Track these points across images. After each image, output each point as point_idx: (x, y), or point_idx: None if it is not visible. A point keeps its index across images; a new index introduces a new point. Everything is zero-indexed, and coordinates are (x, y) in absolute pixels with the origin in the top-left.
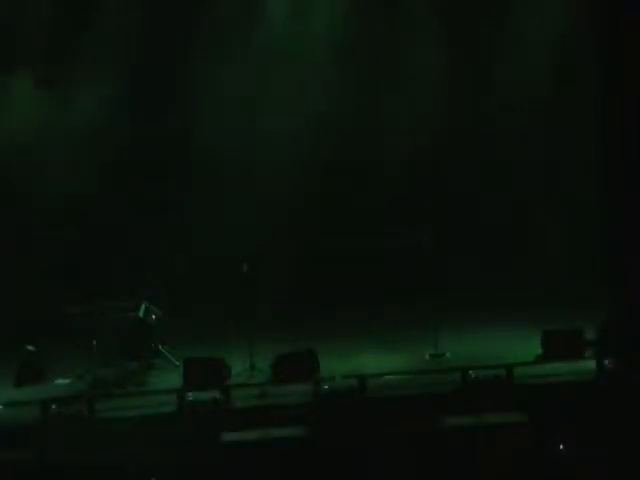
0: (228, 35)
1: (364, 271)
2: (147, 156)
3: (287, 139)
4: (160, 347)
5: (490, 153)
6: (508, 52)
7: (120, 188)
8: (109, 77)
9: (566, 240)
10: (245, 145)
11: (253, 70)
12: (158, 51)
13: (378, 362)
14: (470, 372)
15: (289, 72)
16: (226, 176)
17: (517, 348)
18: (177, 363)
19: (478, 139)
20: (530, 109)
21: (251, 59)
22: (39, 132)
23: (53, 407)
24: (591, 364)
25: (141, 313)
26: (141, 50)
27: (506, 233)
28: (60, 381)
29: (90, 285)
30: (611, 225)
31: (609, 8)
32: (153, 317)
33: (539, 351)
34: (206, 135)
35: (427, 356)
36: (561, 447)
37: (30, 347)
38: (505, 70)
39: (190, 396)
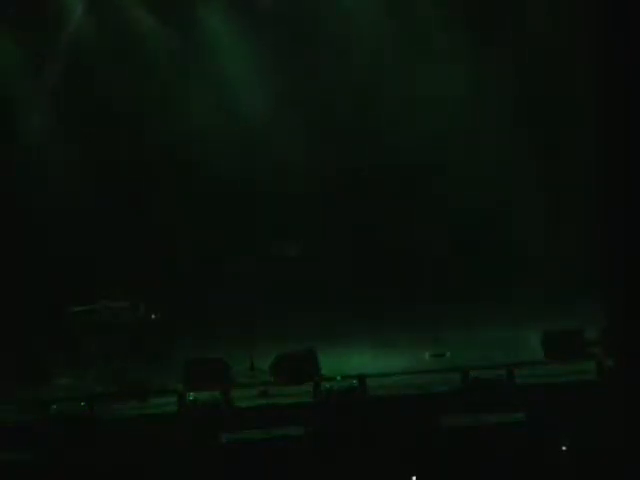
0: None
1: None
2: None
3: None
4: (160, 347)
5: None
6: None
7: None
8: None
9: (566, 240)
10: None
11: None
12: None
13: (378, 362)
14: (470, 372)
15: None
16: None
17: (517, 348)
18: (178, 363)
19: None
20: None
21: None
22: None
23: (53, 407)
24: (591, 364)
25: (141, 313)
26: None
27: (506, 233)
28: (60, 381)
29: (91, 285)
30: (611, 225)
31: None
32: (153, 317)
33: (539, 351)
34: None
35: (427, 356)
36: (561, 447)
37: (32, 347)
38: None
39: (190, 396)
